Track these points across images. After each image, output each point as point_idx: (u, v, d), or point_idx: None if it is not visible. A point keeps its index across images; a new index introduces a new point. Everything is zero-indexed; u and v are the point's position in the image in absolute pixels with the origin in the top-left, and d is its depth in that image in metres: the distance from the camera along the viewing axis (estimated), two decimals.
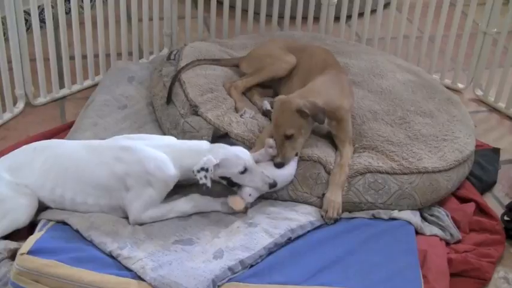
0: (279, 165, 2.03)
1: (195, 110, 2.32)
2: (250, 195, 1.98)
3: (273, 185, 1.96)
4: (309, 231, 1.98)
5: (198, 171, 1.87)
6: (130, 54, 2.93)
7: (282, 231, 1.92)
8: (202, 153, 1.91)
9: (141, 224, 1.94)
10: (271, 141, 2.05)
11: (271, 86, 2.55)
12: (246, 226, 1.94)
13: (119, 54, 2.88)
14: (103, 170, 1.93)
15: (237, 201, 1.96)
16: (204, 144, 1.97)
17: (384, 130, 2.29)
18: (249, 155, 1.96)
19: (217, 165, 1.89)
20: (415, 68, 2.76)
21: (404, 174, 2.12)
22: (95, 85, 2.75)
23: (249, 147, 2.14)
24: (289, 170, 2.05)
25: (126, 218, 1.96)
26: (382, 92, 2.50)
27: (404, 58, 2.95)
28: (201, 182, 1.86)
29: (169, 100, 2.42)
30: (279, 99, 2.10)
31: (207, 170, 1.86)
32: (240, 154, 1.93)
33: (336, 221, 2.03)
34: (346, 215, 2.08)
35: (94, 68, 2.82)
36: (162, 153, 1.93)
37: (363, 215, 2.08)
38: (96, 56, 2.80)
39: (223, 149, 1.92)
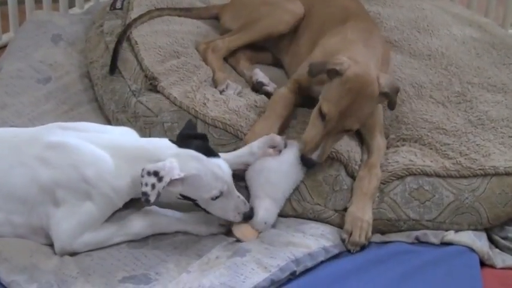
0: (311, 165, 2.06)
1: (153, 85, 2.34)
2: (265, 223, 2.03)
3: (247, 215, 2.00)
4: (322, 262, 2.00)
5: (148, 174, 1.87)
6: (55, 0, 2.95)
7: (283, 262, 1.95)
8: (163, 157, 1.92)
9: (72, 254, 1.96)
10: (278, 138, 2.08)
11: (267, 48, 2.58)
12: (230, 255, 1.97)
13: (38, 1, 2.90)
14: (20, 175, 1.95)
15: (247, 232, 2.01)
16: (169, 145, 1.98)
17: (432, 112, 2.32)
18: (229, 172, 1.97)
19: (179, 181, 1.91)
20: (481, 20, 2.80)
21: (464, 177, 2.16)
22: (3, 47, 2.78)
23: (234, 135, 2.18)
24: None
25: (51, 245, 1.99)
26: (430, 56, 2.53)
27: (465, 5, 2.99)
28: (144, 189, 1.87)
29: (113, 69, 2.44)
30: (354, 72, 2.04)
31: (160, 179, 1.87)
32: (220, 173, 1.94)
33: (363, 247, 2.06)
34: (377, 238, 2.11)
35: (1, 22, 2.84)
36: (108, 155, 1.96)
37: (402, 238, 2.11)
38: (3, 3, 2.82)
39: (196, 162, 1.93)
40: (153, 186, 1.86)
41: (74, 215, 1.94)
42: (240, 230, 2.02)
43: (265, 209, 2.05)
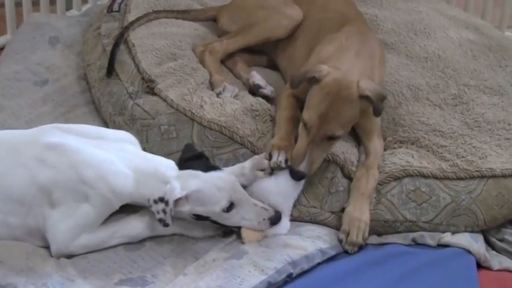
0: (301, 177, 2.05)
1: (150, 87, 2.35)
2: (275, 234, 2.03)
3: (275, 219, 2.00)
4: (319, 264, 2.01)
5: (155, 202, 1.91)
6: (53, 3, 2.94)
7: (279, 264, 1.95)
8: (165, 179, 1.94)
9: (68, 257, 1.96)
10: (265, 162, 2.07)
11: (264, 51, 2.58)
12: (226, 257, 1.97)
13: (36, 3, 2.90)
14: (19, 176, 1.95)
15: (251, 235, 2.01)
16: (173, 167, 2.01)
17: (429, 115, 2.32)
18: (235, 182, 1.99)
19: (184, 200, 1.93)
20: (477, 22, 2.80)
21: (461, 179, 2.16)
22: (0, 49, 2.77)
23: (230, 137, 2.18)
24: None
25: (47, 247, 1.99)
26: (427, 59, 2.53)
27: (461, 7, 2.99)
28: (157, 216, 1.91)
29: (111, 72, 2.44)
30: (332, 77, 2.05)
31: (166, 203, 1.90)
32: (222, 184, 1.96)
33: (360, 247, 2.06)
34: (374, 239, 2.11)
35: None
36: (113, 157, 1.97)
37: (399, 240, 2.11)
38: (0, 5, 2.82)
39: (195, 179, 1.95)
40: (164, 211, 1.90)
41: (70, 217, 1.94)
42: (247, 231, 2.01)
43: None
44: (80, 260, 1.95)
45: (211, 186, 1.94)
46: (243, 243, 2.02)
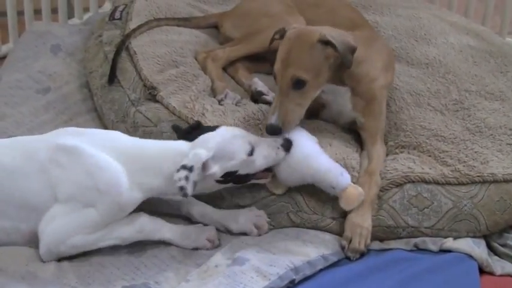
0: (274, 131, 2.05)
1: (151, 94, 2.35)
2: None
3: (287, 145, 2.03)
4: (321, 271, 2.01)
5: (177, 171, 1.89)
6: (54, 11, 2.95)
7: (282, 270, 1.95)
8: (185, 152, 1.94)
9: (70, 261, 1.95)
10: (264, 221, 2.08)
11: (266, 58, 2.58)
12: (229, 263, 1.97)
13: (38, 12, 2.91)
14: (35, 181, 1.95)
15: (352, 196, 2.05)
16: (180, 144, 2.00)
17: (431, 120, 2.33)
18: (239, 128, 2.06)
19: (211, 161, 1.93)
20: (478, 28, 2.80)
21: (462, 184, 2.16)
22: (2, 58, 2.78)
23: None
24: (301, 151, 2.07)
25: None
26: (428, 65, 2.54)
27: (462, 13, 2.99)
28: (178, 184, 1.88)
29: (112, 79, 2.45)
30: (296, 29, 2.12)
31: (190, 169, 1.89)
32: (235, 131, 2.01)
33: (362, 254, 2.06)
34: (376, 245, 2.12)
35: (0, 33, 2.85)
36: (122, 165, 1.96)
37: (401, 246, 2.12)
38: (2, 14, 2.83)
39: (211, 139, 1.97)
40: (187, 178, 1.87)
41: (69, 216, 1.93)
42: (347, 201, 2.06)
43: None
44: (82, 266, 1.95)
45: (229, 138, 1.98)
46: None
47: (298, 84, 2.06)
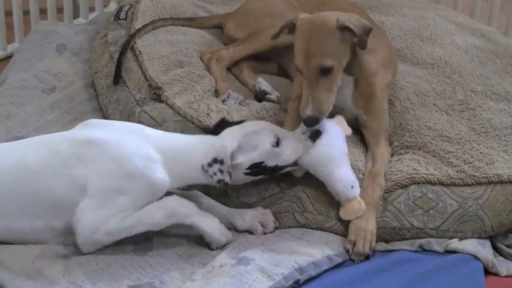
0: (313, 122, 2.06)
1: (157, 94, 2.36)
2: (352, 187, 2.06)
3: (314, 135, 2.05)
4: (326, 271, 2.01)
5: (210, 165, 1.95)
6: (60, 11, 2.96)
7: (287, 270, 1.95)
8: (211, 142, 1.99)
9: (77, 258, 1.95)
10: (271, 219, 2.11)
11: (270, 58, 2.59)
12: (234, 263, 1.97)
13: (43, 11, 2.92)
14: (62, 178, 1.96)
15: (353, 209, 2.06)
16: (208, 136, 2.06)
17: (436, 120, 2.33)
18: (264, 121, 2.10)
19: (237, 151, 1.98)
20: (484, 29, 2.80)
21: (468, 185, 2.16)
22: (8, 57, 2.79)
23: None
24: (329, 139, 2.08)
25: (55, 247, 1.99)
26: (434, 65, 2.54)
27: (468, 14, 2.99)
28: (215, 178, 1.95)
29: (118, 79, 2.46)
30: (304, 17, 2.12)
31: (221, 162, 1.94)
32: (260, 124, 2.05)
33: (367, 257, 2.06)
34: (381, 246, 2.12)
35: (6, 32, 2.85)
36: (154, 150, 1.99)
37: (406, 247, 2.12)
38: (8, 14, 2.83)
39: (236, 130, 2.02)
40: (221, 171, 1.95)
41: (103, 206, 1.94)
42: (345, 209, 2.07)
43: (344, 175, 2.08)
44: (89, 264, 1.96)
45: (254, 129, 2.02)
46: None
47: (325, 72, 2.07)
